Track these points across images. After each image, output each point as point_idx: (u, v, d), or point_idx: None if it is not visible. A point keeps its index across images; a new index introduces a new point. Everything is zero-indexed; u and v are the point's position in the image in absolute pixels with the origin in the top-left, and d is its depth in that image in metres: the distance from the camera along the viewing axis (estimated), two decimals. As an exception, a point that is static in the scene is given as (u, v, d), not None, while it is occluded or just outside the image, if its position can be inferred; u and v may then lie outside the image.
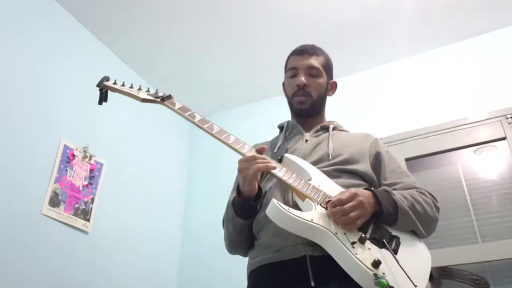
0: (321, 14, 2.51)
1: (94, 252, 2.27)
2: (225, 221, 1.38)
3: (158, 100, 1.35)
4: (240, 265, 2.62)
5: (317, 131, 1.44)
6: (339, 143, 1.37)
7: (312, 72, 1.43)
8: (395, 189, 1.26)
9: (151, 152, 2.92)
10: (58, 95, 2.31)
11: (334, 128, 1.45)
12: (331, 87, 1.51)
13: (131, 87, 1.39)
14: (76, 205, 2.23)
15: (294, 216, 1.05)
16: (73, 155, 2.29)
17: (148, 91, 1.40)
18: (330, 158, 1.31)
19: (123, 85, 1.39)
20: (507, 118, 2.31)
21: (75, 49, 2.50)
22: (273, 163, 1.20)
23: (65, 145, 2.25)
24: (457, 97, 2.52)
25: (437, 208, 1.25)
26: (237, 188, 1.25)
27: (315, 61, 1.44)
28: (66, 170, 2.23)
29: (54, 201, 2.11)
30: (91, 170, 2.37)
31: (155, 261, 2.69)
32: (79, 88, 2.44)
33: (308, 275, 1.08)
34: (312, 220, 1.05)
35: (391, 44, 2.72)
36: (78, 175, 2.28)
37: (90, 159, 2.38)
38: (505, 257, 2.05)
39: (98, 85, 1.38)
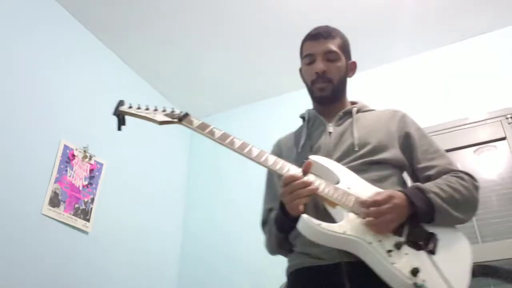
0: (321, 14, 2.51)
1: (94, 252, 2.27)
2: (268, 234, 1.33)
3: (176, 120, 1.31)
4: (239, 265, 2.63)
5: (340, 118, 1.37)
6: (364, 128, 1.31)
7: (330, 56, 1.35)
8: (430, 176, 1.21)
9: (151, 152, 2.92)
10: (58, 95, 2.31)
11: (358, 111, 1.38)
12: (351, 68, 1.44)
13: (147, 108, 1.36)
14: (76, 205, 2.23)
15: (326, 231, 1.02)
16: (73, 155, 2.29)
17: (164, 110, 1.36)
18: (356, 149, 1.25)
19: (138, 108, 1.36)
20: (507, 118, 2.31)
21: (75, 49, 2.51)
22: (314, 183, 1.12)
23: (65, 145, 2.25)
24: (457, 97, 2.52)
25: (477, 188, 1.19)
26: (281, 205, 1.18)
27: (331, 45, 1.36)
28: (66, 170, 2.23)
29: (54, 201, 2.11)
30: (91, 170, 2.37)
31: (155, 261, 2.69)
32: (80, 88, 2.44)
33: (344, 283, 1.06)
34: (345, 232, 1.03)
35: (391, 44, 2.72)
36: (78, 175, 2.29)
37: (90, 159, 2.38)
38: (505, 257, 2.04)
39: (114, 113, 1.36)
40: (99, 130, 2.50)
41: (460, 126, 2.42)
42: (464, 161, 2.41)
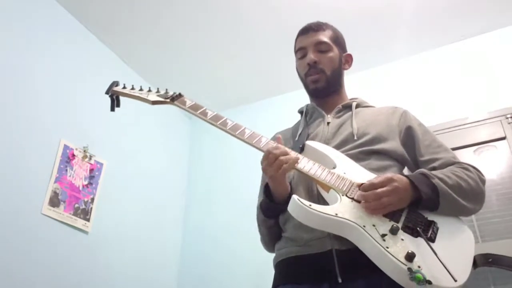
0: (321, 14, 2.49)
1: (94, 252, 2.27)
2: (258, 225, 1.31)
3: (168, 100, 1.30)
4: (240, 264, 2.63)
5: (339, 111, 1.35)
6: (364, 121, 1.28)
7: (321, 47, 1.35)
8: (434, 168, 1.18)
9: (151, 152, 2.92)
10: (58, 95, 2.30)
11: (357, 106, 1.36)
12: (346, 60, 1.43)
13: (141, 89, 1.35)
14: (76, 205, 2.23)
15: (317, 212, 0.98)
16: (73, 155, 2.29)
17: (158, 91, 1.35)
18: (355, 138, 1.22)
19: (132, 88, 1.35)
20: (507, 118, 2.32)
21: (76, 49, 2.50)
22: (293, 154, 1.12)
23: (65, 145, 2.25)
24: (457, 97, 2.52)
25: (483, 181, 1.17)
26: (265, 189, 1.18)
27: (322, 36, 1.37)
28: (66, 170, 2.22)
29: (54, 201, 2.11)
30: (91, 170, 2.37)
31: (156, 261, 2.69)
32: (80, 88, 2.44)
33: (335, 271, 1.02)
34: (336, 214, 0.99)
35: (391, 44, 2.72)
36: (78, 175, 2.28)
37: (90, 159, 2.38)
38: (505, 257, 2.05)
39: (107, 92, 1.34)
40: (99, 130, 2.50)
41: (460, 126, 2.42)
42: (464, 161, 2.41)
